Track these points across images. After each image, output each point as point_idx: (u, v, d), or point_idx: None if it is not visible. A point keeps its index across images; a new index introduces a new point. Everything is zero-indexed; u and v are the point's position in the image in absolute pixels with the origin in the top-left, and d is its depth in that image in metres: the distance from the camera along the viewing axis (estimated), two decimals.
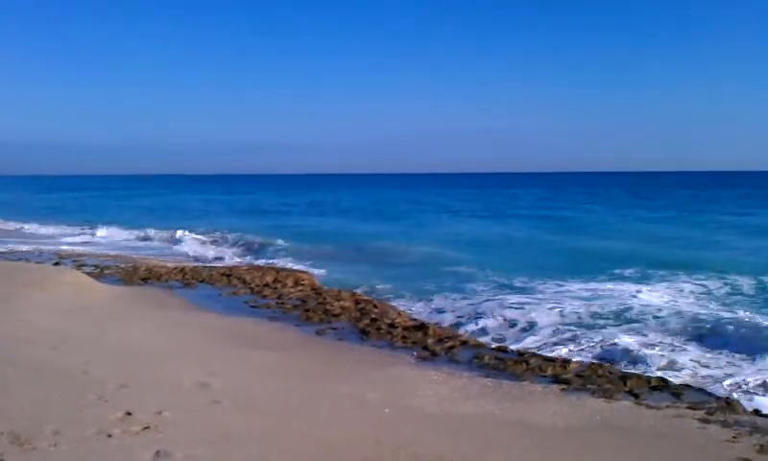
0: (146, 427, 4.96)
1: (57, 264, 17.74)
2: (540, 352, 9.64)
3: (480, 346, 10.03)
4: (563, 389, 7.79)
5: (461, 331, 11.06)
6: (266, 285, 14.77)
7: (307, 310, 12.18)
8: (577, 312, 12.23)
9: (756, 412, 6.93)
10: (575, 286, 14.90)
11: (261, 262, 19.78)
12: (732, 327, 10.46)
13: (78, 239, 27.33)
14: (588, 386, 7.88)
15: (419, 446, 5.31)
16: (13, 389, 5.66)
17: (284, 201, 62.73)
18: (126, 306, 12.00)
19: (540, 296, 14.00)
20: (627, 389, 7.79)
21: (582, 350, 9.80)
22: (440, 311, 12.56)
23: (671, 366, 9.15)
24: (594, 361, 9.13)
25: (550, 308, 12.56)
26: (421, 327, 10.90)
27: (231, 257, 21.91)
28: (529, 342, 10.36)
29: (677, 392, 7.73)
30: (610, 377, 8.23)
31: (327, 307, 12.36)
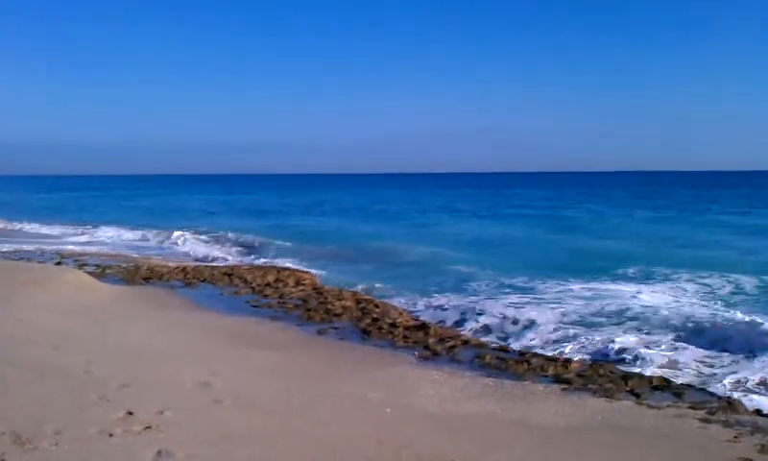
0: (147, 427, 4.96)
1: (58, 264, 17.76)
2: (541, 352, 9.64)
3: (481, 345, 10.03)
4: (564, 389, 7.79)
5: (462, 331, 11.06)
6: (267, 285, 14.77)
7: (309, 310, 12.18)
8: (578, 312, 12.23)
9: (758, 412, 6.94)
10: (576, 286, 14.88)
11: (262, 262, 19.79)
12: (733, 327, 10.46)
13: (79, 239, 27.33)
14: (590, 386, 7.88)
15: (420, 445, 5.31)
16: (15, 389, 5.66)
17: (284, 201, 62.72)
18: (127, 306, 12.01)
19: (541, 296, 13.99)
20: (628, 389, 7.79)
21: (583, 349, 9.79)
22: (441, 311, 12.54)
23: (672, 366, 9.15)
24: (595, 361, 9.13)
25: (551, 308, 12.56)
26: (423, 326, 10.90)
27: (233, 257, 21.91)
28: (530, 342, 10.35)
29: (678, 392, 7.74)
30: (611, 377, 8.23)
31: (329, 307, 12.36)
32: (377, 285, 15.14)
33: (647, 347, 10.00)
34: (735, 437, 5.93)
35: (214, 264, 19.45)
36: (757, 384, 8.22)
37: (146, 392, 5.99)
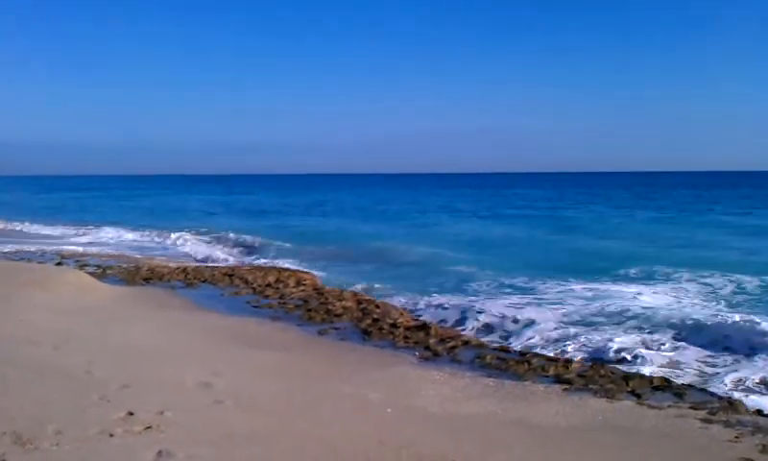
0: (148, 427, 4.96)
1: (59, 264, 17.76)
2: (542, 352, 9.64)
3: (482, 346, 10.03)
4: (565, 389, 7.79)
5: (463, 331, 11.06)
6: (268, 285, 14.77)
7: (309, 310, 12.18)
8: (579, 312, 12.23)
9: (759, 412, 6.93)
10: (577, 286, 14.88)
11: (263, 262, 19.79)
12: (734, 327, 10.45)
13: (79, 239, 27.33)
14: (591, 386, 7.88)
15: (421, 446, 5.31)
16: (15, 389, 5.66)
17: (285, 201, 62.74)
18: (128, 306, 12.01)
19: (541, 296, 13.99)
20: (629, 389, 7.79)
21: (584, 350, 9.78)
22: (441, 311, 12.53)
23: (673, 366, 9.15)
24: (596, 361, 9.12)
25: (552, 308, 12.56)
26: (423, 327, 10.90)
27: (233, 257, 21.92)
28: (531, 342, 10.35)
29: (679, 392, 7.73)
30: (612, 377, 8.23)
31: (329, 307, 12.36)
32: (378, 285, 15.14)
33: (648, 347, 10.00)
34: (736, 437, 5.92)
35: (215, 265, 19.46)
36: (758, 384, 8.22)
37: (147, 392, 5.99)
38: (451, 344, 9.88)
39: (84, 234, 29.35)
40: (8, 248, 21.83)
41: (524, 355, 9.35)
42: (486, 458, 5.28)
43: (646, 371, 8.70)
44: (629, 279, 15.89)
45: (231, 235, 26.91)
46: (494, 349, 9.84)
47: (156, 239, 27.50)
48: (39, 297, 11.30)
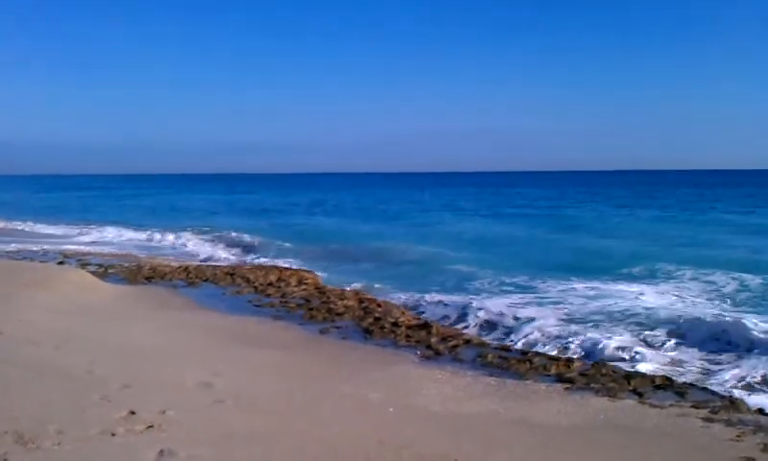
0: (150, 427, 4.96)
1: (61, 263, 17.78)
2: (543, 351, 9.63)
3: (484, 345, 10.02)
4: (566, 388, 7.78)
5: (464, 330, 11.05)
6: (270, 284, 14.78)
7: (311, 309, 12.18)
8: (580, 311, 12.23)
9: (760, 411, 6.92)
10: (578, 285, 14.87)
11: (264, 261, 19.80)
12: (736, 326, 10.41)
13: (81, 239, 27.36)
14: (592, 385, 7.87)
15: (422, 445, 5.31)
16: (17, 389, 5.66)
17: (286, 200, 62.75)
18: (130, 306, 12.02)
19: (543, 295, 13.98)
20: (631, 388, 7.77)
21: (585, 348, 9.77)
22: (443, 310, 12.52)
23: (675, 365, 9.14)
24: (598, 360, 9.11)
25: (554, 307, 12.56)
26: (425, 325, 10.89)
27: (235, 257, 21.92)
28: (532, 341, 10.33)
29: (681, 391, 7.72)
30: (613, 376, 8.22)
31: (331, 306, 12.37)
32: (379, 284, 15.15)
33: (650, 346, 10.00)
34: (738, 436, 5.91)
35: (216, 264, 19.47)
36: (760, 383, 8.21)
37: (148, 392, 5.99)
38: (453, 343, 9.87)
39: (85, 234, 29.37)
40: (10, 247, 21.85)
41: (526, 354, 9.34)
42: (487, 457, 5.27)
43: (648, 370, 8.69)
44: (631, 278, 15.88)
45: (233, 234, 26.93)
46: (496, 348, 9.83)
47: (158, 238, 27.52)
48: (41, 296, 11.30)
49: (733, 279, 15.23)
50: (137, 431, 4.86)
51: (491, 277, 16.06)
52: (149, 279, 15.53)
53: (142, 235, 28.56)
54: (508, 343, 10.27)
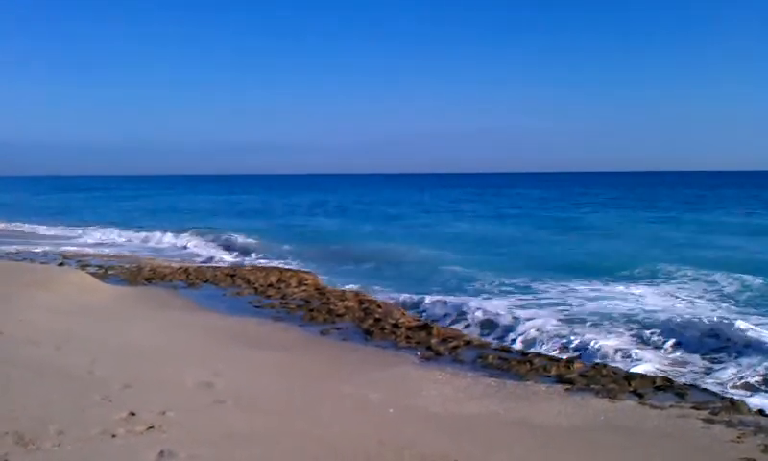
0: (150, 427, 4.96)
1: (61, 264, 17.79)
2: (543, 352, 9.63)
3: (484, 346, 10.02)
4: (567, 389, 7.78)
5: (464, 331, 11.05)
6: (270, 285, 14.78)
7: (311, 310, 12.18)
8: (581, 312, 12.23)
9: (761, 412, 6.92)
10: (579, 286, 14.87)
11: (264, 262, 19.80)
12: (736, 327, 10.40)
13: (82, 240, 27.37)
14: (593, 386, 7.87)
15: (422, 446, 5.31)
16: (17, 389, 5.66)
17: (286, 201, 62.77)
18: (130, 307, 12.02)
19: (543, 296, 13.98)
20: (631, 389, 7.77)
21: (586, 350, 9.77)
22: (443, 311, 12.52)
23: (675, 366, 9.14)
24: (598, 361, 9.11)
25: (554, 308, 12.56)
26: (425, 326, 10.89)
27: (235, 258, 21.92)
28: (533, 342, 10.33)
29: (681, 392, 7.72)
30: (614, 377, 8.21)
31: (331, 307, 12.37)
32: (379, 285, 15.15)
33: (650, 347, 10.00)
34: (739, 437, 5.91)
35: (217, 265, 19.47)
36: (760, 384, 8.21)
37: (148, 392, 5.99)
38: (453, 344, 9.87)
39: (85, 235, 29.38)
40: (11, 248, 21.86)
41: (526, 355, 9.34)
42: (488, 458, 5.27)
43: (648, 370, 8.69)
44: (631, 279, 15.87)
45: (233, 235, 26.92)
46: (496, 349, 9.83)
47: (158, 239, 27.51)
48: (41, 297, 11.31)
49: (734, 280, 15.22)
50: (138, 432, 4.86)
51: (491, 278, 16.06)
52: (149, 280, 15.53)
53: (142, 236, 28.56)
54: (508, 344, 10.27)
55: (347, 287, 14.76)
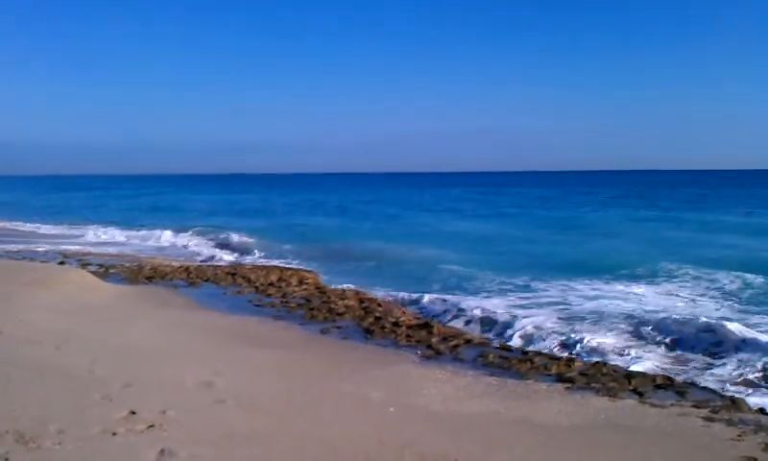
0: (150, 426, 4.96)
1: (61, 263, 17.78)
2: (544, 351, 9.63)
3: (484, 344, 10.02)
4: (567, 388, 7.78)
5: (465, 330, 11.05)
6: (270, 284, 14.78)
7: (312, 309, 12.18)
8: (581, 311, 12.23)
9: (761, 410, 6.92)
10: (579, 285, 14.87)
11: (265, 261, 19.80)
12: (737, 326, 10.41)
13: (82, 239, 27.37)
14: (593, 385, 7.86)
15: (422, 445, 5.30)
16: (17, 389, 5.66)
17: (286, 200, 62.77)
18: (130, 305, 12.02)
19: (543, 295, 13.98)
20: (631, 387, 7.77)
21: (586, 348, 9.77)
22: (443, 309, 12.53)
23: (676, 364, 9.14)
24: (598, 360, 9.11)
25: (554, 307, 12.55)
26: (426, 325, 10.89)
27: (235, 256, 21.93)
28: (533, 340, 10.33)
29: (681, 390, 7.72)
30: (614, 376, 8.21)
31: (332, 306, 12.37)
32: (380, 284, 15.15)
33: (650, 345, 9.99)
34: (739, 435, 5.91)
35: (217, 263, 19.48)
36: (760, 381, 8.21)
37: (148, 391, 5.99)
38: (453, 342, 9.87)
39: (86, 234, 29.38)
40: (11, 247, 21.86)
41: (526, 354, 9.34)
42: (488, 457, 5.27)
43: (648, 369, 8.69)
44: (632, 278, 15.86)
45: (234, 234, 26.94)
46: (497, 347, 9.83)
47: (158, 238, 27.52)
48: (42, 296, 11.30)
49: (735, 278, 15.22)
50: (138, 431, 4.86)
51: (491, 276, 16.06)
52: (149, 278, 15.53)
53: (143, 235, 28.59)
54: (509, 343, 10.27)
55: (347, 286, 14.74)
